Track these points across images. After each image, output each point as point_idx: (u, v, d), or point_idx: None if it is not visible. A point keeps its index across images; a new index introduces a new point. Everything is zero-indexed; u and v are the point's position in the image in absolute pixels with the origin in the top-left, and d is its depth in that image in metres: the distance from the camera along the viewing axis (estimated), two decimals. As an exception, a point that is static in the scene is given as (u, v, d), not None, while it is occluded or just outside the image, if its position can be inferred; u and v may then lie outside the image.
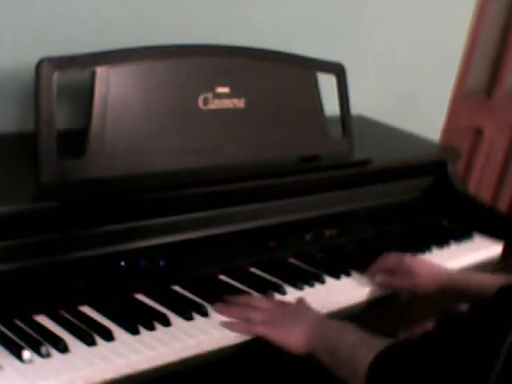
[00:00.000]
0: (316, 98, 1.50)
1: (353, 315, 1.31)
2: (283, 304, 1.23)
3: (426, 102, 2.38)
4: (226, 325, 1.14)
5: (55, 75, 1.13)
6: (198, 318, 1.15)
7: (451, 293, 1.35)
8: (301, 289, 1.32)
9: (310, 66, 1.49)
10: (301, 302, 1.23)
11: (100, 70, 1.19)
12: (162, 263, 1.24)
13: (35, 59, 1.12)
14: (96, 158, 1.19)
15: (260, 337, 1.13)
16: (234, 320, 1.16)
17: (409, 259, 1.39)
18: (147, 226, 1.22)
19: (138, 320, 1.10)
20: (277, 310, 1.19)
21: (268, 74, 1.42)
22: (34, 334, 1.03)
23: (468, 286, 1.32)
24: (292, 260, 1.43)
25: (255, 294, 1.26)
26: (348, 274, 1.40)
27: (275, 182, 1.41)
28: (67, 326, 1.07)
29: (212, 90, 1.32)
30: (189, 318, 1.14)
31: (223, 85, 1.34)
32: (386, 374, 0.99)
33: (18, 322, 1.05)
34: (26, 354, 0.97)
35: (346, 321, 1.14)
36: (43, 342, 1.00)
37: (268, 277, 1.34)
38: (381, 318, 1.39)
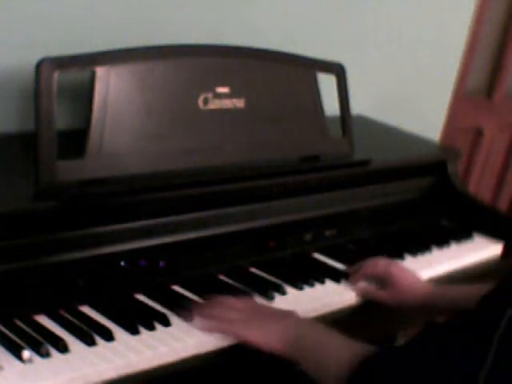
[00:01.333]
0: (316, 97, 1.50)
1: (353, 315, 1.31)
2: (259, 304, 1.21)
3: (425, 102, 2.38)
4: (200, 326, 1.12)
5: (55, 75, 1.13)
6: (198, 317, 1.15)
7: (432, 308, 1.30)
8: (301, 289, 1.32)
9: (310, 66, 1.49)
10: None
11: (100, 70, 1.19)
12: (161, 263, 1.24)
13: (35, 59, 1.12)
14: (96, 158, 1.19)
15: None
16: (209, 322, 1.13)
17: (396, 268, 1.34)
18: (147, 226, 1.22)
19: (138, 320, 1.10)
20: (253, 309, 1.17)
21: (268, 74, 1.42)
22: (34, 334, 1.03)
23: (451, 300, 1.28)
24: (292, 260, 1.43)
25: (255, 294, 1.26)
26: (348, 274, 1.40)
27: (275, 182, 1.41)
28: (67, 326, 1.07)
29: (212, 90, 1.32)
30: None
31: (223, 85, 1.34)
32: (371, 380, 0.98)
33: (18, 322, 1.06)
34: (26, 353, 0.97)
35: (319, 322, 1.13)
36: (43, 342, 1.00)
37: (268, 277, 1.34)
38: (381, 318, 1.39)
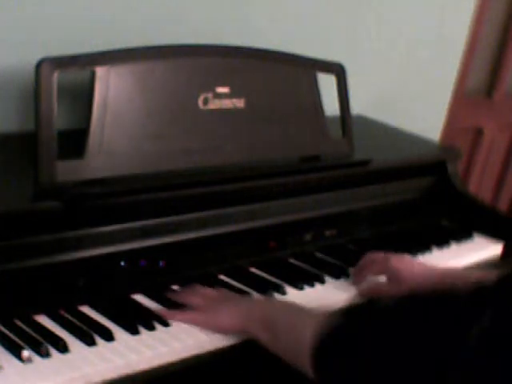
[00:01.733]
0: (316, 97, 1.50)
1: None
2: (225, 291, 1.22)
3: (425, 102, 2.38)
4: (164, 313, 1.13)
5: (55, 75, 1.13)
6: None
7: None
8: (301, 289, 1.32)
9: (310, 66, 1.49)
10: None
11: (100, 70, 1.19)
12: (161, 263, 1.24)
13: (35, 59, 1.12)
14: (96, 158, 1.19)
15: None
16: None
17: (395, 261, 1.31)
18: (147, 226, 1.22)
19: (138, 320, 1.10)
20: (215, 295, 1.18)
21: (268, 74, 1.42)
22: (34, 334, 1.03)
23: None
24: (292, 260, 1.43)
25: (255, 294, 1.26)
26: (348, 274, 1.40)
27: (275, 182, 1.41)
28: (67, 326, 1.07)
29: (212, 89, 1.32)
30: (189, 318, 1.14)
31: (223, 85, 1.34)
32: (337, 350, 0.92)
33: (18, 322, 1.06)
34: (26, 354, 0.97)
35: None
36: (43, 342, 1.00)
37: (268, 277, 1.34)
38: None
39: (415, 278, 1.27)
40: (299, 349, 0.97)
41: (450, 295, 0.91)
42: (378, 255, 1.35)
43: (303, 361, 0.96)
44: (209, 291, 1.21)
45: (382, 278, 1.35)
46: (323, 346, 0.94)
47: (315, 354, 0.94)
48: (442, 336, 0.84)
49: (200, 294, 1.19)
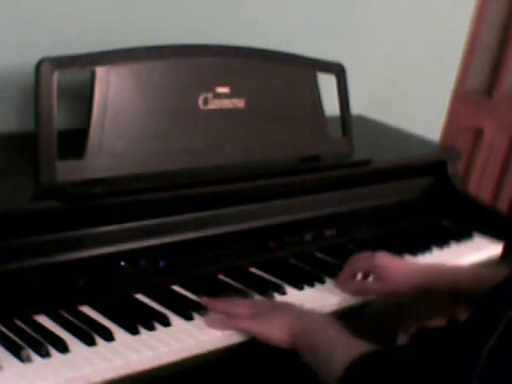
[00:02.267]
0: (316, 97, 1.50)
1: (354, 315, 1.31)
2: (266, 300, 1.23)
3: (426, 101, 2.38)
4: (210, 322, 1.13)
5: (55, 75, 1.13)
6: (198, 317, 1.15)
7: (430, 290, 1.29)
8: (301, 289, 1.32)
9: (310, 66, 1.49)
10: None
11: (100, 70, 1.19)
12: (161, 263, 1.24)
13: (35, 59, 1.12)
14: (96, 158, 1.19)
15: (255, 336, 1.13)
16: (218, 317, 1.14)
17: (380, 259, 1.32)
18: (147, 226, 1.22)
19: (137, 320, 1.10)
20: (260, 305, 1.18)
21: (268, 74, 1.42)
22: (34, 334, 1.03)
23: (450, 280, 1.27)
24: (292, 260, 1.43)
25: (255, 294, 1.26)
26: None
27: (275, 182, 1.41)
28: (67, 326, 1.07)
29: (212, 89, 1.32)
30: (189, 318, 1.14)
31: (223, 85, 1.34)
32: (361, 381, 0.98)
33: (18, 322, 1.06)
34: (26, 353, 0.97)
35: (331, 317, 1.13)
36: (43, 342, 1.00)
37: (268, 277, 1.34)
38: (381, 317, 1.39)
39: (399, 275, 1.29)
40: (332, 368, 1.02)
41: (456, 327, 0.97)
42: (364, 253, 1.36)
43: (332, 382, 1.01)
44: (248, 301, 1.21)
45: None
46: (355, 369, 0.98)
47: (346, 374, 0.98)
48: (454, 366, 0.89)
49: (242, 304, 1.19)
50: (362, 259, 1.35)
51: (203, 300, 1.19)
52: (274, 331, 1.11)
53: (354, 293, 1.32)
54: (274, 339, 1.11)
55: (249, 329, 1.13)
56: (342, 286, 1.34)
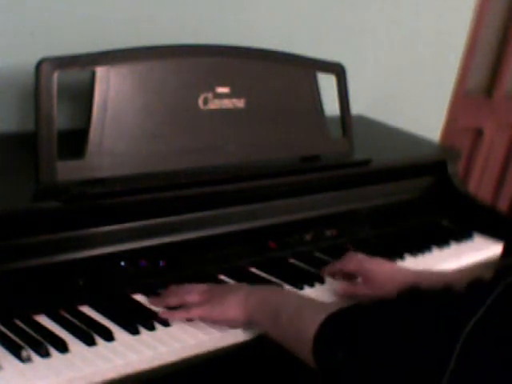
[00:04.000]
0: (316, 97, 1.50)
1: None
2: (216, 285, 1.22)
3: (426, 101, 2.38)
4: (165, 315, 1.11)
5: (55, 75, 1.13)
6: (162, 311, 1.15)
7: None
8: (301, 289, 1.32)
9: (310, 66, 1.49)
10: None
11: (100, 70, 1.19)
12: (161, 263, 1.24)
13: (35, 59, 1.12)
14: (96, 158, 1.19)
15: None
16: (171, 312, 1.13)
17: (369, 263, 1.32)
18: (147, 226, 1.22)
19: (138, 320, 1.10)
20: (212, 288, 1.18)
21: (268, 74, 1.42)
22: (34, 334, 1.03)
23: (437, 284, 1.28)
24: (292, 260, 1.43)
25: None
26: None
27: (275, 182, 1.41)
28: (67, 326, 1.07)
29: (212, 89, 1.32)
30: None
31: (223, 85, 1.34)
32: (337, 337, 0.95)
33: (18, 322, 1.05)
34: (26, 353, 0.97)
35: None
36: (43, 342, 1.00)
37: (268, 277, 1.34)
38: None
39: (386, 279, 1.29)
40: (301, 337, 0.99)
41: (448, 290, 0.94)
42: (357, 254, 1.36)
43: (304, 348, 0.99)
44: (199, 286, 1.20)
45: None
46: (325, 332, 0.96)
47: (317, 339, 0.96)
48: (441, 326, 0.86)
49: (192, 291, 1.17)
50: (354, 260, 1.34)
51: (151, 300, 1.16)
52: (229, 310, 1.10)
53: (343, 293, 1.31)
54: (230, 319, 1.10)
55: (203, 315, 1.11)
56: (325, 273, 1.35)
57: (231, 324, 1.12)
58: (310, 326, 0.98)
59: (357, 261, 1.34)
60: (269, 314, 1.07)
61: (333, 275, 1.36)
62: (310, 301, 1.05)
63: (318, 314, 0.99)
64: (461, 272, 1.31)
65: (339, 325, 0.97)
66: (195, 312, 1.12)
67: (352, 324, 0.95)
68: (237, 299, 1.12)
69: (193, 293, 1.16)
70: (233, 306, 1.11)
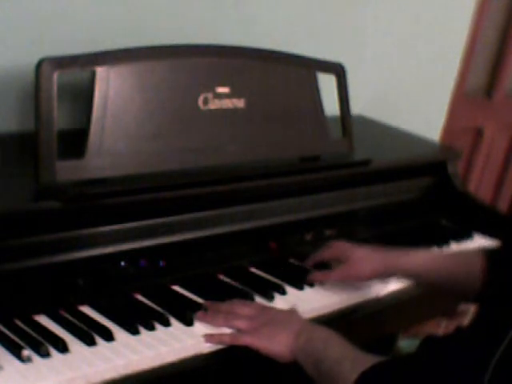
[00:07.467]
0: (316, 97, 1.50)
1: (353, 315, 1.31)
2: (266, 309, 1.20)
3: (425, 102, 2.38)
4: (208, 338, 1.10)
5: (55, 75, 1.13)
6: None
7: (394, 275, 1.31)
8: (301, 289, 1.32)
9: (310, 66, 1.49)
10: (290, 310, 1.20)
11: (100, 70, 1.19)
12: (161, 263, 1.24)
13: (35, 59, 1.12)
14: (96, 158, 1.19)
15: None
16: (216, 330, 1.12)
17: (346, 245, 1.34)
18: (147, 226, 1.22)
19: (138, 320, 1.10)
20: (260, 316, 1.16)
21: (268, 74, 1.42)
22: (34, 334, 1.03)
23: (401, 268, 1.29)
24: (292, 260, 1.43)
25: (255, 294, 1.26)
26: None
27: (275, 182, 1.41)
28: (67, 326, 1.07)
29: (212, 89, 1.32)
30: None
31: (223, 85, 1.34)
32: None
33: (18, 322, 1.06)
34: (26, 353, 0.97)
35: (332, 331, 1.11)
36: (43, 342, 1.00)
37: (268, 277, 1.34)
38: (382, 317, 1.39)
39: (362, 260, 1.30)
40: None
41: (461, 333, 0.99)
42: (339, 242, 1.38)
43: None
44: (249, 308, 1.18)
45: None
46: (364, 382, 0.97)
47: None
48: (466, 368, 0.90)
49: (242, 314, 1.16)
50: (335, 246, 1.36)
51: (199, 315, 1.15)
52: (276, 347, 1.10)
53: (317, 282, 1.33)
54: (275, 354, 1.10)
55: (250, 344, 1.11)
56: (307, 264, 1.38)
57: (275, 357, 1.11)
58: (346, 382, 0.99)
59: (338, 246, 1.35)
60: (312, 359, 1.07)
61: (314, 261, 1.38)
62: (353, 352, 1.05)
63: (354, 368, 0.99)
64: (433, 253, 1.33)
65: (379, 377, 0.98)
66: (243, 340, 1.11)
67: (391, 376, 0.97)
68: (286, 338, 1.10)
69: (242, 318, 1.14)
70: (281, 344, 1.10)
